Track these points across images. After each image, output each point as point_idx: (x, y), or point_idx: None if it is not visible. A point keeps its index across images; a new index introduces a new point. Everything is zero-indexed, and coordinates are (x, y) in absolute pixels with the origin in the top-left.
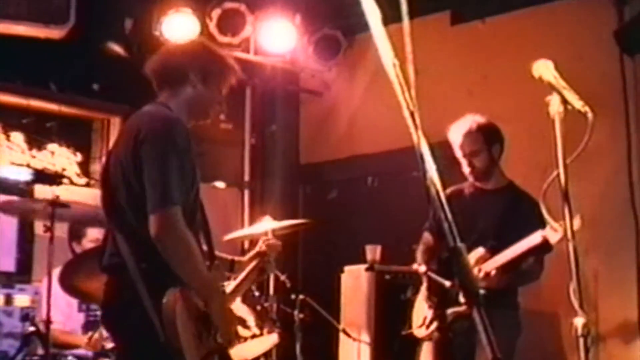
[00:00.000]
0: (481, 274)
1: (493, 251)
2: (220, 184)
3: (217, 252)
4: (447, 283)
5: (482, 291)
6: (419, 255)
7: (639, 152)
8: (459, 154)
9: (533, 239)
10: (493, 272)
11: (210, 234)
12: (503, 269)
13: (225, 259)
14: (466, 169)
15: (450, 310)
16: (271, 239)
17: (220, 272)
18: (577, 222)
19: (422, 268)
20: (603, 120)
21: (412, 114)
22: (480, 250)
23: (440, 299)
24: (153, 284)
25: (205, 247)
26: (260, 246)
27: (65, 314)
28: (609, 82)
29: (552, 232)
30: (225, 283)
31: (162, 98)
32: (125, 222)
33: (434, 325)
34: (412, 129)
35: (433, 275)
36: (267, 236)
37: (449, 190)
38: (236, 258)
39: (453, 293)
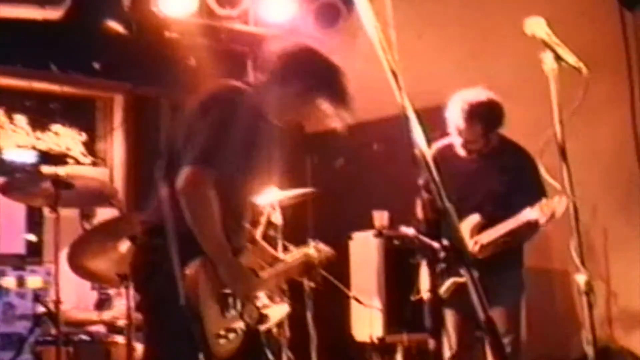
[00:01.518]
0: (476, 247)
1: (489, 218)
2: None
3: (262, 242)
4: (436, 244)
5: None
6: (417, 209)
7: None
8: (454, 133)
9: (522, 218)
10: (485, 245)
11: (250, 216)
12: (496, 242)
13: (268, 251)
14: (458, 144)
15: (450, 280)
16: (322, 245)
17: (254, 256)
18: (562, 204)
19: (410, 230)
20: (605, 77)
21: (394, 75)
22: (475, 218)
23: (431, 261)
24: (185, 249)
25: (246, 232)
26: (311, 251)
27: (78, 294)
28: (611, 38)
29: (540, 214)
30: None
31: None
32: (174, 180)
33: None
34: (395, 90)
35: (421, 237)
36: (273, 207)
37: (441, 144)
38: (280, 256)
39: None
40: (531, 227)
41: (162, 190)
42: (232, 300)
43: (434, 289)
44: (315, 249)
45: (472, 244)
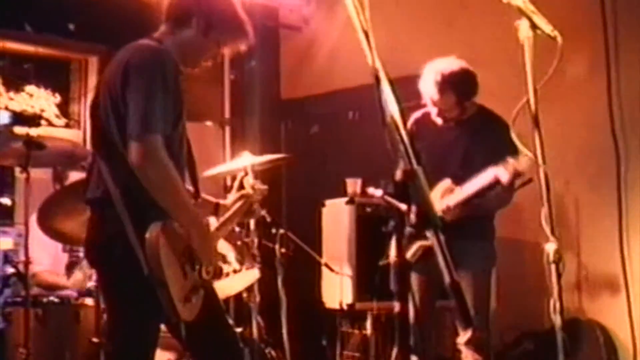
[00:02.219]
0: (445, 208)
1: (460, 182)
2: (206, 123)
3: (203, 194)
4: (403, 206)
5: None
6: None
7: (618, 81)
8: (428, 103)
9: (485, 177)
10: (452, 207)
11: (196, 172)
12: (463, 204)
13: (209, 201)
14: (433, 115)
15: (417, 243)
16: (257, 182)
17: (202, 209)
18: (525, 162)
19: (378, 192)
20: (582, 50)
21: (366, 35)
22: (447, 182)
23: (397, 223)
24: (138, 217)
25: (190, 186)
26: (246, 191)
27: (51, 255)
28: (588, 11)
29: (503, 171)
30: (210, 222)
31: (159, 34)
32: (112, 153)
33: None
34: (366, 50)
35: (389, 199)
36: (245, 172)
37: (419, 114)
38: (221, 201)
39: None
40: (496, 185)
41: (101, 164)
42: (190, 259)
43: (400, 252)
44: (251, 188)
45: (443, 207)
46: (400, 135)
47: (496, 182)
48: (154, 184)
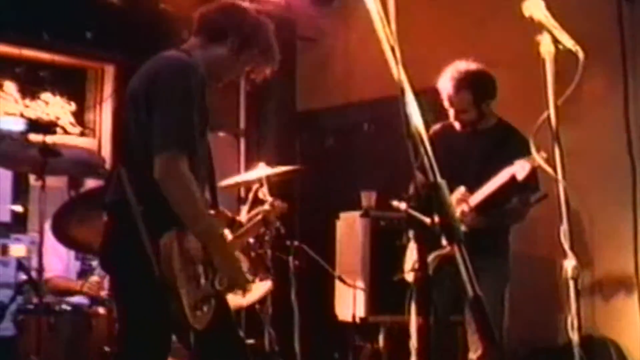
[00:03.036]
0: (466, 210)
1: (474, 190)
2: (221, 134)
3: (221, 207)
4: (427, 220)
5: (463, 230)
6: (411, 192)
7: (635, 96)
8: (446, 104)
9: (502, 176)
10: (467, 211)
11: (215, 183)
12: (480, 208)
13: (227, 215)
14: (452, 117)
15: (434, 254)
16: (276, 200)
17: (219, 220)
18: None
19: (402, 205)
20: (600, 65)
21: (392, 49)
22: (461, 190)
23: (420, 237)
24: (153, 223)
25: (208, 197)
26: (265, 208)
27: (64, 262)
28: (606, 27)
29: (520, 169)
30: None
31: (188, 45)
32: (132, 159)
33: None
34: (392, 64)
35: (412, 212)
36: (261, 184)
37: (438, 126)
38: (237, 217)
39: (436, 235)
40: (514, 183)
41: (121, 169)
42: (202, 269)
43: (423, 266)
44: (270, 205)
45: (459, 213)
46: (425, 147)
47: (512, 180)
48: (175, 197)
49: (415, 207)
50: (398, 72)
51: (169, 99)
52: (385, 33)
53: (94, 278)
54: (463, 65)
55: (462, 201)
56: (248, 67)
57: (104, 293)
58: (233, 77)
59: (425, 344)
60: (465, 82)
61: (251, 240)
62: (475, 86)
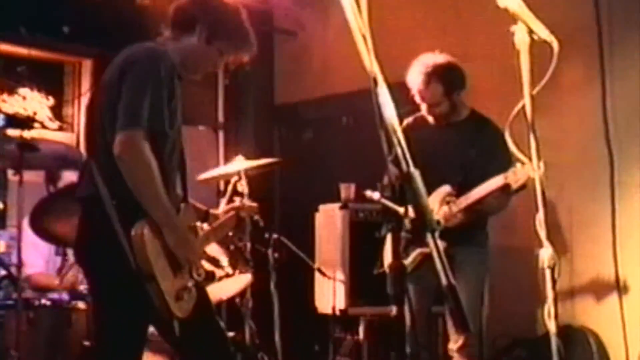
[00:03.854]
0: (455, 210)
1: (459, 188)
2: (200, 127)
3: (191, 201)
4: (401, 209)
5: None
6: (384, 184)
7: (612, 84)
8: (417, 98)
9: (495, 182)
10: (458, 215)
11: (186, 176)
12: (467, 209)
13: (200, 209)
14: (425, 111)
15: (418, 250)
16: (247, 200)
17: (189, 213)
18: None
19: (376, 195)
20: (577, 54)
21: (364, 38)
22: (446, 188)
23: (394, 227)
24: (126, 216)
25: (179, 190)
26: (237, 204)
27: (44, 258)
28: (583, 16)
29: (513, 177)
30: (198, 225)
31: (163, 38)
32: (103, 151)
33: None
34: (364, 54)
35: (386, 202)
36: (239, 177)
37: (411, 119)
38: (211, 210)
39: (415, 230)
40: (503, 192)
41: (91, 163)
42: (179, 259)
43: (397, 256)
44: (240, 204)
45: (446, 211)
46: (397, 138)
47: (506, 187)
48: (132, 176)
49: (389, 197)
50: (370, 63)
51: (135, 82)
52: (357, 23)
53: (71, 273)
54: (430, 57)
55: (447, 202)
56: (224, 55)
57: (83, 287)
58: (210, 67)
59: (401, 334)
60: (434, 74)
61: (230, 233)
62: (445, 78)
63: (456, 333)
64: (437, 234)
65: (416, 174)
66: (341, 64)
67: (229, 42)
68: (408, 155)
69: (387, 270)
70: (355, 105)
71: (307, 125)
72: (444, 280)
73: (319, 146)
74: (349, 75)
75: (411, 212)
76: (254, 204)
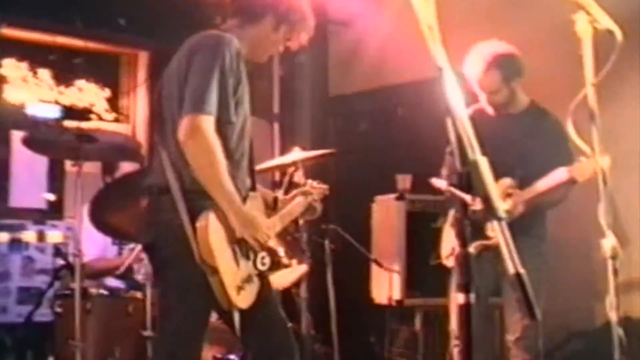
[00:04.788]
0: (520, 203)
1: (520, 181)
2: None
3: (260, 187)
4: (468, 197)
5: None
6: (443, 175)
7: None
8: (476, 88)
9: (559, 176)
10: (521, 207)
11: (253, 165)
12: (528, 202)
13: (269, 195)
14: (484, 102)
15: (477, 242)
16: (316, 182)
17: (257, 202)
18: (606, 161)
19: (442, 183)
20: (637, 44)
21: (430, 28)
22: (507, 181)
23: (462, 216)
24: (193, 205)
25: (247, 178)
26: (306, 188)
27: (101, 247)
28: None
29: (579, 171)
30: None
31: (226, 27)
32: (172, 141)
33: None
34: (429, 42)
35: (454, 190)
36: (296, 168)
37: (470, 110)
38: (279, 196)
39: (478, 222)
40: (567, 186)
41: (161, 152)
42: (244, 248)
43: (463, 243)
44: (310, 187)
45: (511, 204)
46: (464, 125)
47: (570, 181)
48: (196, 160)
49: (455, 185)
50: (437, 52)
51: (200, 69)
52: (422, 11)
53: (130, 259)
54: (487, 45)
55: (509, 195)
56: (287, 40)
57: (141, 277)
58: (274, 51)
59: (466, 322)
60: (492, 61)
61: (300, 220)
62: (503, 64)
63: (519, 323)
64: (504, 223)
65: (483, 161)
66: (396, 55)
67: (293, 27)
68: (475, 143)
69: (444, 261)
70: (410, 96)
71: (362, 117)
72: (511, 269)
73: (374, 137)
74: (403, 66)
75: (478, 200)
76: (324, 185)
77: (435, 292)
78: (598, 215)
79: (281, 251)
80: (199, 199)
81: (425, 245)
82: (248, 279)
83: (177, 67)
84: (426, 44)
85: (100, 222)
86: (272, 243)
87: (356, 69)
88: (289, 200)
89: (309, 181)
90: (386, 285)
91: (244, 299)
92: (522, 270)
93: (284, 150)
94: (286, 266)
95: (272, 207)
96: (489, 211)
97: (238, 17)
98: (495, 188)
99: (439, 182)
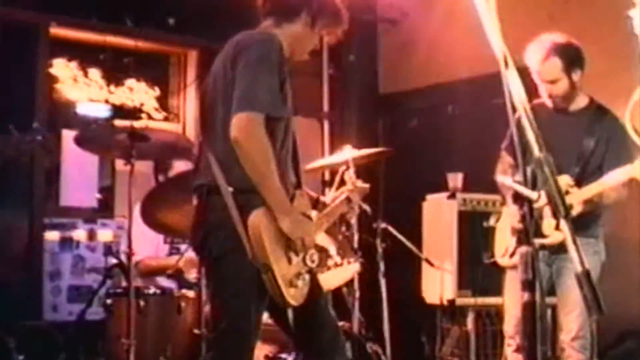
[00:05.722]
0: (579, 201)
1: (578, 179)
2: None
3: (304, 187)
4: (534, 195)
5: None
6: (499, 174)
7: None
8: (536, 78)
9: (620, 175)
10: (579, 206)
11: (299, 163)
12: (587, 201)
13: (311, 195)
14: (544, 95)
15: (536, 241)
16: (359, 181)
17: (304, 200)
18: None
19: (508, 180)
20: None
21: (492, 23)
22: (565, 179)
23: (527, 213)
24: (243, 204)
25: (292, 176)
26: (348, 187)
27: (153, 245)
28: None
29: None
30: (310, 213)
31: (263, 27)
32: (221, 139)
33: (521, 249)
34: (491, 36)
35: (519, 187)
36: (347, 166)
37: (530, 105)
38: (321, 197)
39: (536, 219)
40: (624, 185)
41: (208, 152)
42: (293, 245)
43: (529, 241)
44: (352, 185)
45: (569, 203)
46: (529, 122)
47: (630, 182)
48: (247, 158)
49: (519, 182)
50: (500, 45)
51: (249, 67)
52: (482, 6)
53: (189, 255)
54: (548, 36)
55: (567, 193)
56: (324, 36)
57: (193, 276)
58: (311, 47)
59: (532, 320)
60: (553, 49)
61: (337, 222)
62: (564, 53)
63: (574, 321)
64: (569, 220)
65: (548, 158)
66: (446, 52)
67: (328, 23)
68: (540, 140)
69: (498, 259)
70: (460, 94)
71: (412, 115)
72: (578, 266)
73: (425, 136)
74: (453, 63)
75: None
76: (366, 185)
77: (487, 291)
78: None
79: (333, 250)
80: (248, 197)
81: (477, 244)
82: (299, 276)
83: (223, 67)
84: (475, 42)
85: (152, 220)
86: (323, 241)
87: (406, 67)
88: (330, 201)
89: (351, 175)
90: (438, 285)
91: (295, 296)
92: (588, 268)
93: (333, 149)
94: (338, 265)
95: (313, 207)
96: (555, 208)
97: (273, 16)
98: (559, 185)
99: (504, 179)
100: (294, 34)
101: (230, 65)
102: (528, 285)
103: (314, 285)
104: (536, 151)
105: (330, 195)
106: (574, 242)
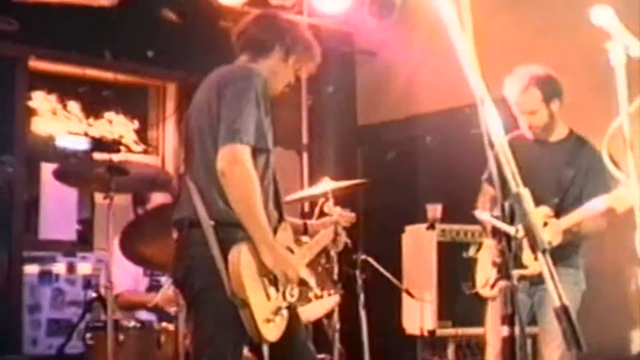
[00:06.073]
0: (556, 232)
1: (557, 210)
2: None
3: (288, 217)
4: (512, 230)
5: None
6: (479, 205)
7: None
8: (515, 110)
9: (598, 206)
10: (558, 237)
11: (279, 195)
12: (567, 232)
13: (297, 224)
14: (524, 126)
15: (515, 272)
16: (345, 211)
17: (288, 233)
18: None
19: (485, 214)
20: None
21: (468, 56)
22: (544, 210)
23: (504, 248)
24: (223, 238)
25: (274, 210)
26: (334, 217)
27: (133, 278)
28: None
29: (618, 201)
30: (294, 246)
31: (241, 62)
32: (203, 172)
33: (500, 283)
34: (468, 69)
35: (497, 222)
36: (327, 198)
37: (509, 136)
38: (308, 222)
39: (516, 251)
40: (603, 215)
41: (189, 184)
42: (274, 280)
43: (508, 275)
44: (338, 216)
45: (548, 234)
46: (506, 157)
47: (609, 211)
48: (234, 190)
49: (498, 217)
50: (476, 78)
51: (235, 100)
52: (459, 40)
53: (167, 291)
54: (526, 67)
55: (546, 224)
56: (298, 70)
57: (173, 309)
58: (286, 82)
59: (512, 354)
60: (532, 81)
61: (318, 254)
62: (543, 84)
63: (554, 351)
64: (547, 254)
65: (526, 193)
66: (424, 84)
67: (302, 57)
68: (517, 175)
69: (480, 290)
70: (438, 125)
71: (390, 146)
72: (556, 300)
73: (403, 167)
74: (431, 94)
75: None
76: (351, 214)
77: (467, 322)
78: (635, 244)
79: (313, 282)
80: (229, 231)
81: (457, 275)
82: (277, 311)
83: (207, 100)
84: (453, 73)
85: (131, 252)
86: (303, 274)
87: (384, 98)
88: (319, 225)
89: (337, 209)
90: (418, 316)
91: (272, 332)
92: (567, 302)
93: (312, 181)
94: (318, 297)
95: (303, 232)
96: (532, 242)
97: (248, 51)
98: (537, 219)
99: (482, 214)
100: (269, 69)
101: (215, 98)
102: (508, 319)
103: (293, 320)
104: (514, 187)
105: (318, 221)
106: (552, 277)
